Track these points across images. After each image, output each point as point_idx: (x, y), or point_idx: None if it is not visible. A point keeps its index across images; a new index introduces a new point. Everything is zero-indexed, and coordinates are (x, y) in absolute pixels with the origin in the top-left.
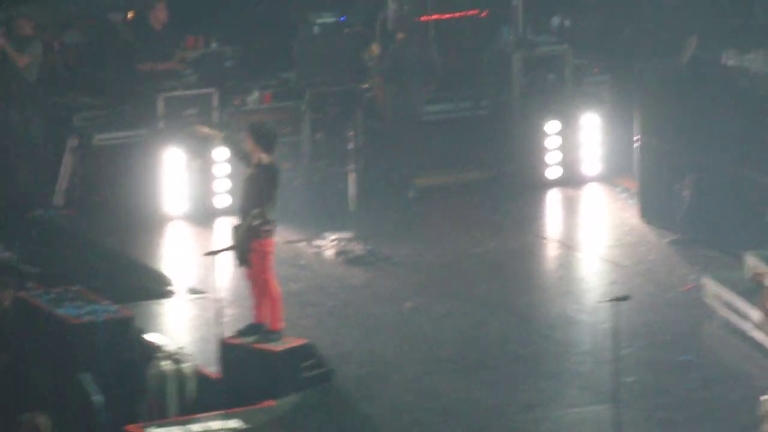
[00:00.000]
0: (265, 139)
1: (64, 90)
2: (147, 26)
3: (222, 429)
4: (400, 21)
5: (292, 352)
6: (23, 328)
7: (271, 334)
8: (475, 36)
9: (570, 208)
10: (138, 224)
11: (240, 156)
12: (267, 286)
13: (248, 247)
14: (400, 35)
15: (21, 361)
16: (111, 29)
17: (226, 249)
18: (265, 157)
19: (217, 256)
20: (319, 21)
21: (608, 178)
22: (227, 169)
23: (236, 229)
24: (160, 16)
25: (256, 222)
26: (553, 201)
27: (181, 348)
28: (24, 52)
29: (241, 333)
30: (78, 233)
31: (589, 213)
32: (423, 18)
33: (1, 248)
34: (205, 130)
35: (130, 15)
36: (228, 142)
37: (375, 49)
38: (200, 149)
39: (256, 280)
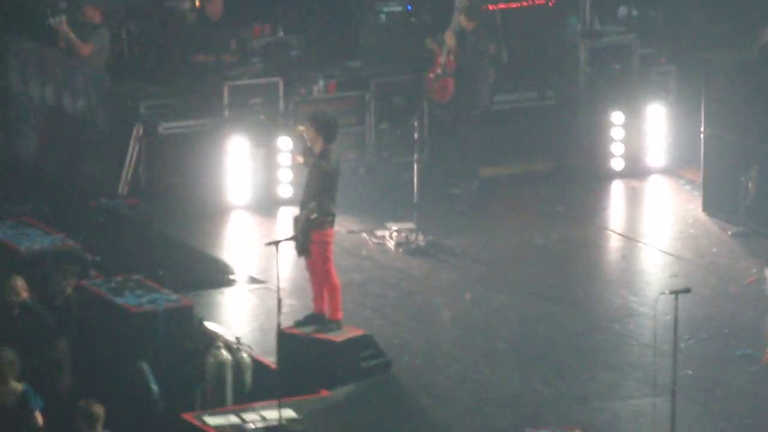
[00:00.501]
0: (326, 128)
1: (131, 79)
2: (204, 17)
3: (277, 418)
4: (470, 10)
5: (351, 342)
6: (84, 316)
7: (331, 324)
8: (541, 25)
9: (634, 199)
10: (201, 213)
11: (304, 151)
12: (327, 276)
13: (308, 237)
14: (470, 25)
15: (81, 349)
16: (176, 17)
17: (288, 239)
18: (324, 149)
19: (278, 246)
20: (386, 10)
21: (673, 169)
22: (291, 158)
23: (296, 219)
24: (214, 7)
25: (314, 215)
26: (617, 192)
27: (239, 337)
28: (89, 40)
29: (300, 323)
30: (141, 222)
31: (652, 205)
32: (490, 7)
33: (64, 237)
34: (302, 128)
35: (197, 3)
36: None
37: (449, 38)
38: (265, 138)
39: (317, 270)
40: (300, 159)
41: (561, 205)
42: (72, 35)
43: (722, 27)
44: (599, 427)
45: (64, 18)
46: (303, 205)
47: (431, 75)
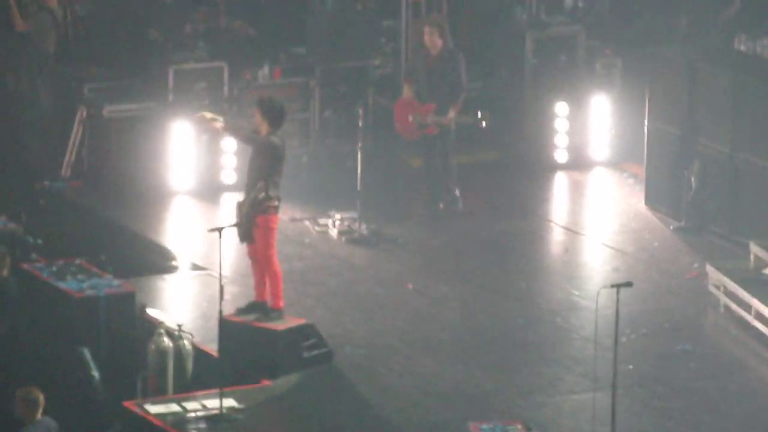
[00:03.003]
0: (272, 114)
1: (75, 61)
2: None
3: (219, 407)
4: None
5: (293, 331)
6: (24, 300)
7: (273, 313)
8: (488, 15)
9: (576, 192)
10: (144, 198)
11: (244, 139)
12: (269, 263)
13: (252, 222)
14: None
15: (21, 332)
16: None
17: (231, 225)
18: (271, 132)
19: (221, 233)
20: None
21: (616, 162)
22: (235, 144)
23: (240, 205)
24: None
25: (261, 195)
26: (560, 184)
27: (181, 324)
28: (28, 19)
29: (242, 311)
30: (84, 206)
31: (595, 197)
32: None
33: (5, 219)
34: (207, 115)
35: None
36: (229, 130)
37: (429, 34)
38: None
39: (259, 257)
40: (207, 115)
41: (504, 197)
42: (15, 10)
43: (665, 21)
44: (541, 421)
45: None
46: (247, 190)
47: (411, 119)
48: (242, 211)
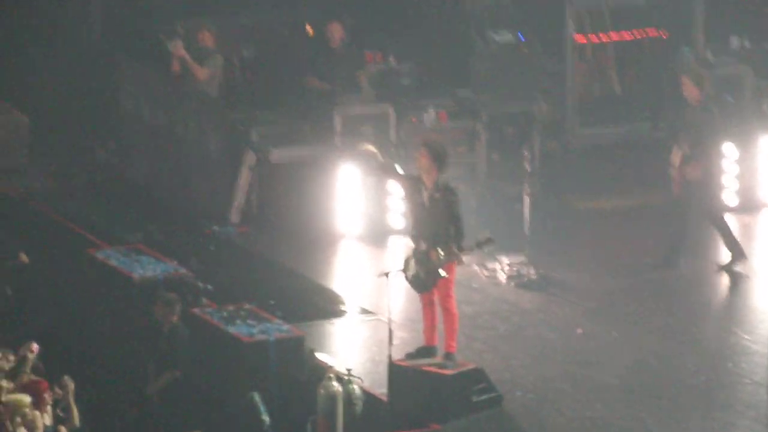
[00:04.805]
0: (441, 158)
1: (243, 105)
2: (325, 44)
3: None
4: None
5: (463, 375)
6: (195, 345)
7: (446, 356)
8: (654, 57)
9: (746, 234)
10: (311, 242)
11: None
12: (449, 305)
13: (440, 270)
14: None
15: (191, 378)
16: (287, 45)
17: (400, 270)
18: (443, 178)
19: (389, 277)
20: (497, 39)
21: None
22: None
23: (424, 254)
24: (335, 33)
25: (481, 243)
26: (730, 225)
27: (350, 369)
28: (204, 65)
29: (412, 356)
30: (252, 250)
31: (766, 240)
32: (603, 38)
33: (176, 264)
34: (370, 148)
35: (310, 31)
36: (387, 164)
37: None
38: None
39: (441, 301)
40: (370, 148)
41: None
42: (189, 59)
43: None
44: None
45: (180, 42)
46: (431, 238)
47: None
48: (426, 259)
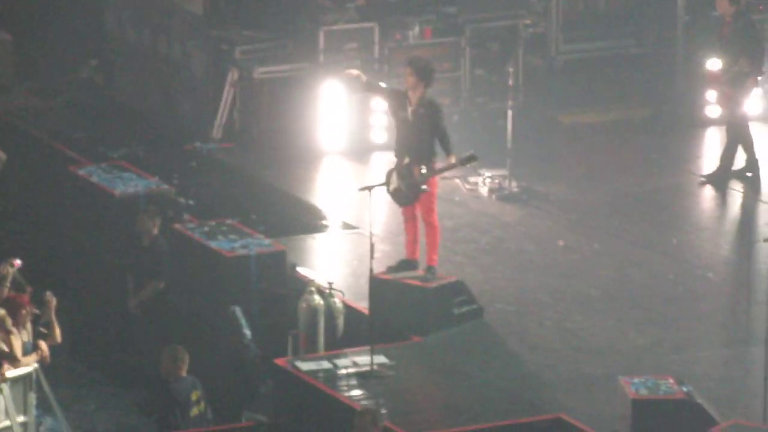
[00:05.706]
0: (428, 74)
1: (226, 23)
2: None
3: (370, 364)
4: None
5: (444, 288)
6: (176, 260)
7: (426, 270)
8: None
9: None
10: (294, 158)
11: (376, 90)
12: (432, 219)
13: (422, 185)
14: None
15: (174, 291)
16: None
17: (382, 184)
18: (429, 94)
19: (371, 191)
20: None
21: None
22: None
23: (407, 167)
24: None
25: (464, 160)
26: (712, 140)
27: (332, 283)
28: None
29: (393, 269)
30: (235, 166)
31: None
32: None
33: (158, 180)
34: (353, 71)
35: None
36: (370, 82)
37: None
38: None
39: (423, 215)
40: (353, 72)
41: (655, 153)
42: None
43: None
44: (693, 375)
45: None
46: (414, 153)
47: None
48: (408, 173)
